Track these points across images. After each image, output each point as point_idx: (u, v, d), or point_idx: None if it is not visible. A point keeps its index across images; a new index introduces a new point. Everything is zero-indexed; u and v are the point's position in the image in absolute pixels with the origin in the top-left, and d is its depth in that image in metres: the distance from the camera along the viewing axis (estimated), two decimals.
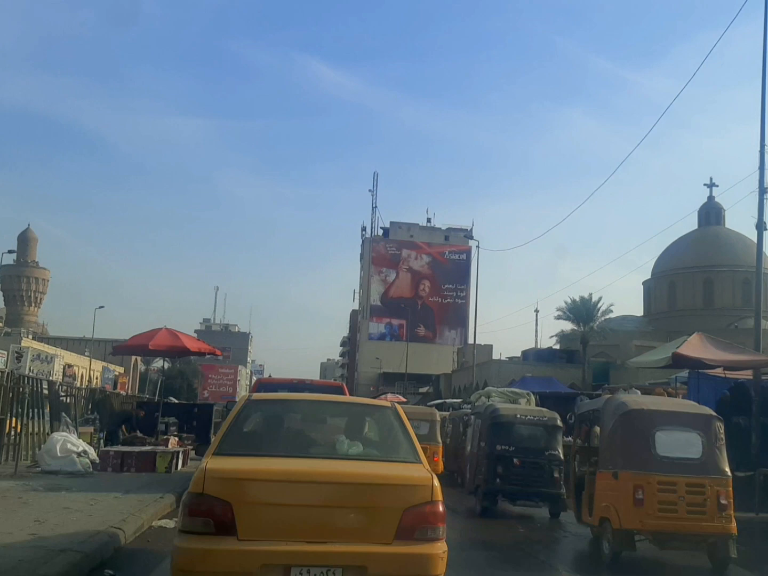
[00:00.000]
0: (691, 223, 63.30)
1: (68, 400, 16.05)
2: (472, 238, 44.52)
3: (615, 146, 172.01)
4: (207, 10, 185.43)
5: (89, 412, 17.00)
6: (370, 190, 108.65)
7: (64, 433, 13.25)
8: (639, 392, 17.77)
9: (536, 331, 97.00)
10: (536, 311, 72.09)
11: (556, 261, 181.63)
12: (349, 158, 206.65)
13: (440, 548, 4.74)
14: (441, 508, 4.82)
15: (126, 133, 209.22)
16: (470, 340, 79.74)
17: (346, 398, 8.70)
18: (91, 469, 13.03)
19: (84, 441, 14.23)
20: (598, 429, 10.31)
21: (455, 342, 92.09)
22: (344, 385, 18.42)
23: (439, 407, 30.03)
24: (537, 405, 18.73)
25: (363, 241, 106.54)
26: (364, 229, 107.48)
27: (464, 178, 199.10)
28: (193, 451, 18.06)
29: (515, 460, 12.52)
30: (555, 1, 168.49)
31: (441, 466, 17.96)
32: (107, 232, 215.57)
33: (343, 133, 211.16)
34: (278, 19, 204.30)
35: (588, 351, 47.30)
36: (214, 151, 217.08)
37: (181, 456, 15.74)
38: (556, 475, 12.52)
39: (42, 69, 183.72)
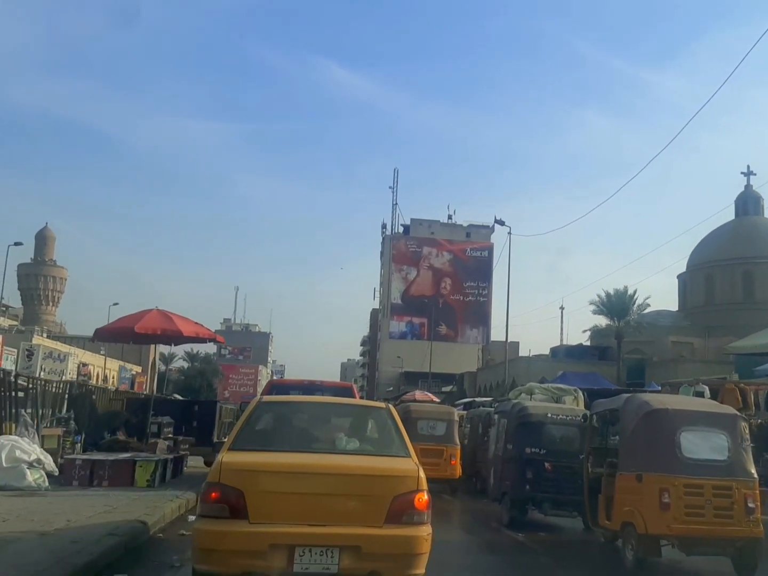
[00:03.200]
0: (727, 216, 60.20)
1: (30, 394, 13.37)
2: (503, 224, 41.70)
3: (630, 145, 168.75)
4: (223, 14, 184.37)
5: (63, 410, 14.48)
6: (390, 187, 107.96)
7: (13, 437, 10.39)
8: (707, 388, 15.16)
9: (562, 328, 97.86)
10: (561, 308, 70.38)
11: (573, 259, 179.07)
12: (367, 158, 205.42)
13: (425, 531, 5.32)
14: (426, 496, 5.37)
15: (144, 135, 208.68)
16: (493, 338, 78.22)
17: (347, 400, 9.19)
18: (47, 484, 10.35)
19: (49, 446, 11.76)
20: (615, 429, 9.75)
21: (477, 341, 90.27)
22: (354, 386, 17.56)
23: (468, 406, 27.71)
24: (585, 403, 16.27)
25: (383, 238, 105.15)
26: (384, 226, 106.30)
27: (482, 178, 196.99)
28: (200, 456, 15.67)
29: (546, 464, 11.47)
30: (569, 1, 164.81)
31: (459, 470, 16.20)
32: (126, 232, 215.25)
33: (360, 133, 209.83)
34: (294, 22, 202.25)
35: (621, 347, 44.48)
36: (232, 153, 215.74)
37: (170, 464, 12.94)
38: None
39: (61, 73, 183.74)
